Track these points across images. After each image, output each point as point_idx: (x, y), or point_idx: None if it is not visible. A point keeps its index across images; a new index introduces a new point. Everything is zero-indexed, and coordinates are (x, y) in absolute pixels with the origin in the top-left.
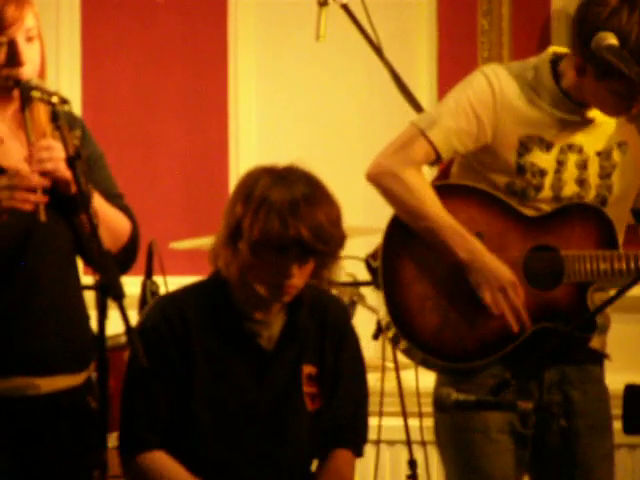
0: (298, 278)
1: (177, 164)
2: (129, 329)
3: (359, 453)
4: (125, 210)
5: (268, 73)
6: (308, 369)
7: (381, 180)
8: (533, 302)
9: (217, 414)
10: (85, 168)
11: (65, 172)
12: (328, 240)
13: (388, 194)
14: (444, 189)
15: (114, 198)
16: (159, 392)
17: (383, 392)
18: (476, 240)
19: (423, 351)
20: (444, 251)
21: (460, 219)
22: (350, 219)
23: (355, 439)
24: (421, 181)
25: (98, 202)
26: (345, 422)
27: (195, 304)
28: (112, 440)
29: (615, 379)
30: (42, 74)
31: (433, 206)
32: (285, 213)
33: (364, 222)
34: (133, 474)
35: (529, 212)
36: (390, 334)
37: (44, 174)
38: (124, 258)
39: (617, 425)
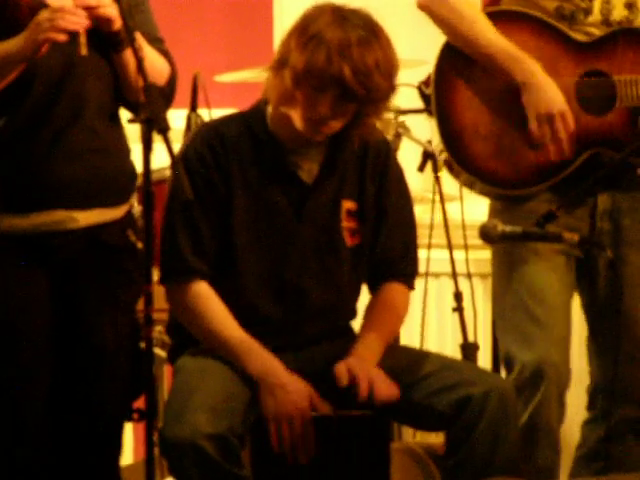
0: (334, 120)
1: None
2: (174, 162)
3: (411, 285)
4: (165, 54)
5: None
6: (348, 204)
7: (432, 7)
8: (586, 127)
9: (256, 244)
10: (129, 5)
11: (108, 8)
12: (371, 87)
13: (440, 21)
14: (495, 15)
15: (154, 42)
16: (203, 220)
17: (432, 224)
18: (533, 61)
19: (476, 177)
20: (500, 75)
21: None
22: (399, 51)
23: (406, 271)
24: (472, 6)
25: (139, 42)
26: (395, 255)
27: (236, 133)
28: (156, 274)
29: None
30: None
31: (486, 31)
32: (333, 50)
33: (413, 54)
34: (177, 305)
35: (580, 37)
36: (442, 159)
37: (87, 9)
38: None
39: None
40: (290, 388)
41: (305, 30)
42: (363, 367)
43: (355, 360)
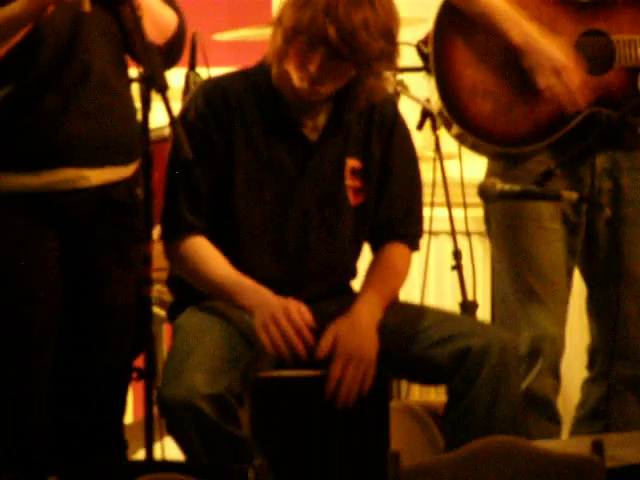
0: (327, 79)
1: None
2: (173, 121)
3: (414, 246)
4: (171, 4)
5: None
6: (352, 162)
7: None
8: (584, 87)
9: (258, 202)
10: None
11: None
12: (358, 46)
13: None
14: None
15: None
16: (202, 177)
17: (434, 183)
18: (530, 24)
19: (475, 136)
20: (497, 36)
21: (510, 2)
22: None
23: (409, 232)
24: None
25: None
26: (398, 215)
27: (240, 90)
28: (156, 232)
29: None
30: None
31: None
32: (319, 9)
33: (412, 12)
34: (176, 258)
35: None
36: (441, 119)
37: None
38: (170, 52)
39: None
40: (275, 301)
41: None
42: (349, 342)
43: (347, 328)
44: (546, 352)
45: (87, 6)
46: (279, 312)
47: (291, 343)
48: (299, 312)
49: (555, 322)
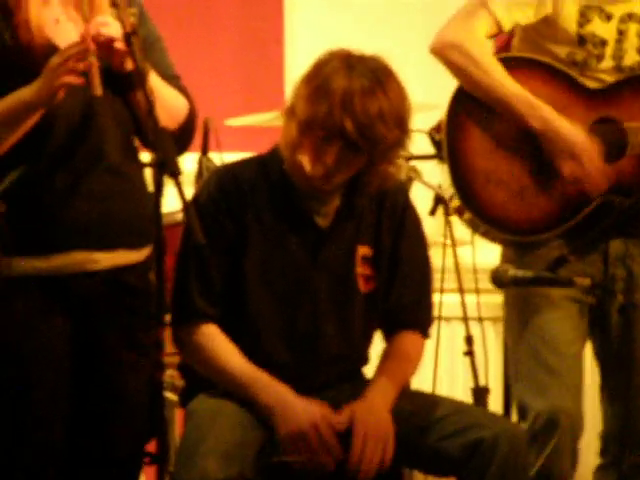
0: (342, 169)
1: (233, 40)
2: (186, 206)
3: (426, 334)
4: (182, 91)
5: None
6: (363, 250)
7: (446, 53)
8: (604, 169)
9: (270, 289)
10: (141, 46)
11: (120, 44)
12: (375, 138)
13: (453, 67)
14: (506, 62)
15: (171, 79)
16: (213, 264)
17: (444, 269)
18: (547, 107)
19: (487, 223)
20: (515, 121)
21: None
22: (410, 95)
23: (420, 320)
24: (486, 52)
25: (154, 81)
26: (409, 304)
27: (252, 177)
28: (168, 317)
29: None
30: None
31: (500, 76)
32: (334, 102)
33: (424, 98)
34: (186, 345)
35: (591, 84)
36: (454, 205)
37: (99, 44)
38: (181, 137)
39: None
40: (300, 410)
41: (313, 78)
42: (366, 421)
43: (362, 409)
44: (563, 426)
45: (98, 90)
46: (310, 430)
47: (322, 464)
48: (328, 426)
49: (571, 397)
